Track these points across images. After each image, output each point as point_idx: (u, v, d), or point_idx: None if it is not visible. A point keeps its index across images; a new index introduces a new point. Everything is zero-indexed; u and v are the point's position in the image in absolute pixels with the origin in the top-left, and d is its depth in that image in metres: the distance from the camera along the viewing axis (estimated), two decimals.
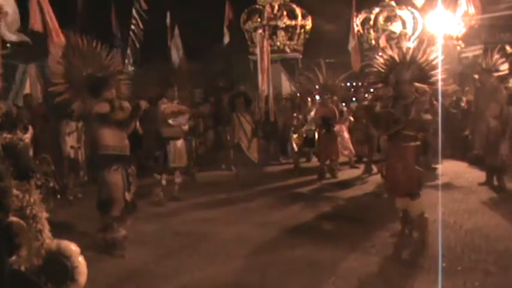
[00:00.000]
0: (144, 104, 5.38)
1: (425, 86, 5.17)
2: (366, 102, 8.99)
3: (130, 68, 11.79)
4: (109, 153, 5.05)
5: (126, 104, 5.27)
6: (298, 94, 12.20)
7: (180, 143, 7.35)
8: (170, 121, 7.14)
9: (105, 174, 5.02)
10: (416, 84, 5.11)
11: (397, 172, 5.08)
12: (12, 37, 6.47)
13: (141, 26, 11.93)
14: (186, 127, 7.54)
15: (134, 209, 5.32)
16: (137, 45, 12.07)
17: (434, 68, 5.17)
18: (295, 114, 10.67)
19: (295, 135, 10.40)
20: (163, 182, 7.32)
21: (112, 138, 5.06)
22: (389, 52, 5.35)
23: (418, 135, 5.02)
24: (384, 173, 7.30)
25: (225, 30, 13.96)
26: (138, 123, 5.53)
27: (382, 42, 14.00)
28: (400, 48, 5.44)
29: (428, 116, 5.02)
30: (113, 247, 5.02)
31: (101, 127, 5.06)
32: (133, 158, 5.53)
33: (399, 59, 5.24)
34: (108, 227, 5.08)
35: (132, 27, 11.95)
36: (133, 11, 11.90)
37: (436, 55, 5.17)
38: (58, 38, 6.73)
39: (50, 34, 6.85)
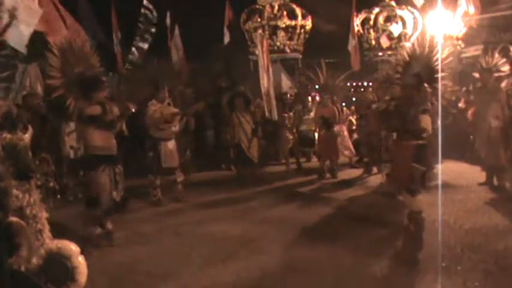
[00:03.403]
0: (132, 106, 5.51)
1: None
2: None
3: (135, 57, 11.69)
4: (97, 154, 5.14)
5: (115, 106, 5.36)
6: (288, 94, 12.23)
7: (171, 143, 7.31)
8: (160, 126, 7.13)
9: (93, 174, 5.10)
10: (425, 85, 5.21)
11: (398, 168, 5.24)
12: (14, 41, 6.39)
13: (152, 26, 11.88)
14: (176, 128, 7.48)
15: (124, 208, 5.37)
16: (145, 46, 12.00)
17: (440, 68, 5.24)
18: (286, 114, 10.69)
19: (287, 134, 10.44)
20: (158, 182, 7.31)
21: (100, 139, 5.16)
22: (403, 51, 5.49)
23: (422, 135, 5.06)
24: (387, 172, 7.41)
25: (225, 30, 13.94)
26: (124, 125, 5.61)
27: (384, 41, 13.98)
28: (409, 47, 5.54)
29: (426, 118, 5.06)
30: (95, 244, 5.11)
31: (89, 128, 5.14)
32: (121, 158, 5.59)
33: (408, 58, 5.36)
34: (93, 223, 5.20)
35: (140, 25, 11.89)
36: (142, 10, 11.86)
37: (441, 56, 5.22)
38: (78, 35, 6.60)
39: (72, 31, 6.75)
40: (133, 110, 5.61)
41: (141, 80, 8.73)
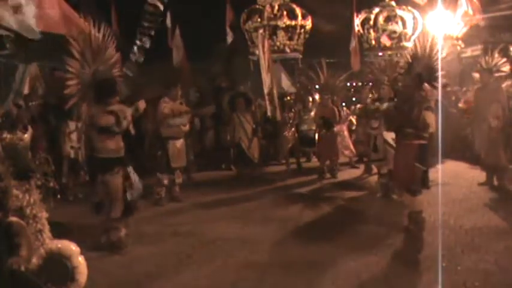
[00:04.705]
0: (142, 105, 5.42)
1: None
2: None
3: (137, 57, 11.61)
4: (108, 157, 5.08)
5: (128, 111, 5.22)
6: (287, 95, 12.24)
7: (180, 142, 7.34)
8: (169, 121, 7.13)
9: (106, 177, 5.05)
10: (426, 85, 5.26)
11: (399, 168, 5.27)
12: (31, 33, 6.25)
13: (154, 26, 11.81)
14: (186, 127, 7.52)
15: (135, 209, 5.34)
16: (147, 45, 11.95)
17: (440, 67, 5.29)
18: (286, 114, 10.69)
19: (286, 134, 10.44)
20: (165, 182, 7.31)
21: (110, 143, 5.10)
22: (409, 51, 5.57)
23: (424, 134, 5.10)
24: (380, 172, 7.44)
25: (228, 30, 13.93)
26: (131, 125, 5.52)
27: (385, 41, 13.98)
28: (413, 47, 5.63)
29: (430, 114, 5.10)
30: (119, 247, 5.08)
31: (100, 134, 5.06)
32: (131, 158, 5.54)
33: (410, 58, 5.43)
34: (111, 228, 5.13)
35: (144, 23, 11.84)
36: (146, 9, 11.80)
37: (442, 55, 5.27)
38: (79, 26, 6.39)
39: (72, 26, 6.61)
40: (142, 108, 5.50)
41: (143, 79, 8.73)
